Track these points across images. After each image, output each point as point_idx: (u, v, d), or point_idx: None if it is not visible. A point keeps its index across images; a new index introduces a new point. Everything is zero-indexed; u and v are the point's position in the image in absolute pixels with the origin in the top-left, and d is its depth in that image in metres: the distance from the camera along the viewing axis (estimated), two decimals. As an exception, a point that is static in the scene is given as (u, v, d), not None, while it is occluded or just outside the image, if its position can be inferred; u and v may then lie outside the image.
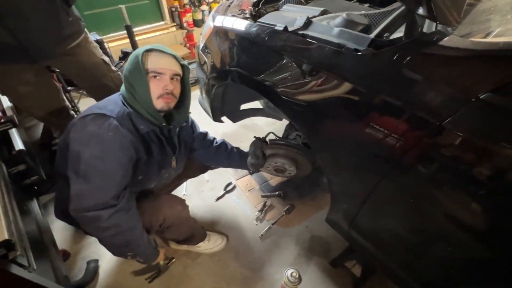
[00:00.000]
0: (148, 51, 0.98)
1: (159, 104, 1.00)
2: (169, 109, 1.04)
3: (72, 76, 1.62)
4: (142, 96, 0.97)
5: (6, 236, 0.85)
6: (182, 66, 1.05)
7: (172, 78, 1.01)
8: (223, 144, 1.45)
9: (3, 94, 1.44)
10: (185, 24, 3.55)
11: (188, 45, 3.56)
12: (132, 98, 0.99)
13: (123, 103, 1.01)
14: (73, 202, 0.92)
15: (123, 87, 1.03)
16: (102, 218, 0.91)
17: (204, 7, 3.61)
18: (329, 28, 0.90)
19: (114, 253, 1.09)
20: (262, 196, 1.81)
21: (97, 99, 1.10)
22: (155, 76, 0.98)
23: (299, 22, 0.97)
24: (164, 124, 1.07)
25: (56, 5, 1.27)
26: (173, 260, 1.43)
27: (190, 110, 1.19)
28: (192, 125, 1.36)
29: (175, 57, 1.03)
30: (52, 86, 1.59)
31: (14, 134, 1.47)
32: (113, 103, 1.01)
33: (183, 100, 1.11)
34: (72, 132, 0.95)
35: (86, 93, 1.84)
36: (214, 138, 1.45)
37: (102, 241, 1.01)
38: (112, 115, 0.95)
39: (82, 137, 0.93)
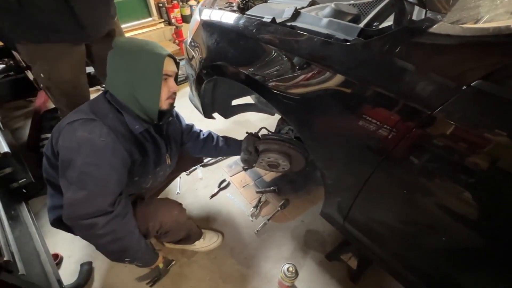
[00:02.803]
0: (167, 56, 0.97)
1: (165, 105, 1.02)
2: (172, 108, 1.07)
3: (104, 47, 1.59)
4: (150, 98, 0.96)
5: (-10, 243, 0.83)
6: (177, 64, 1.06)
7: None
8: (210, 135, 1.44)
9: (49, 79, 1.44)
10: (173, 20, 3.49)
11: (177, 41, 3.51)
12: (130, 99, 0.95)
13: (110, 104, 0.97)
14: (67, 210, 0.89)
15: (114, 87, 0.97)
16: (98, 226, 0.89)
17: (192, 2, 3.55)
18: (317, 19, 0.88)
19: (111, 259, 1.06)
20: (257, 192, 1.80)
21: None
22: (165, 79, 0.98)
23: (287, 14, 0.95)
24: (155, 122, 1.05)
25: None
26: (173, 263, 1.40)
27: (182, 108, 1.18)
28: (178, 118, 1.34)
29: (172, 56, 1.02)
30: (86, 77, 1.61)
31: (-1, 137, 1.44)
32: (99, 105, 0.97)
33: None
34: (61, 140, 0.90)
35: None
36: (201, 130, 1.43)
37: (99, 248, 0.98)
38: (101, 118, 0.92)
39: (73, 144, 0.89)
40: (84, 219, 0.88)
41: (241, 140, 1.44)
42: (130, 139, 0.99)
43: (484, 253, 0.70)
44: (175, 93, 1.04)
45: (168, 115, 1.11)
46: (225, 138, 1.46)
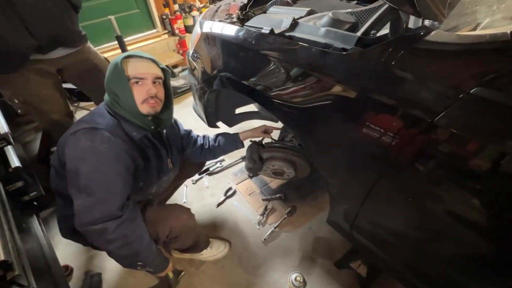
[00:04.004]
0: (126, 57, 0.98)
1: (144, 109, 1.00)
2: (156, 113, 1.05)
3: (79, 77, 1.66)
4: (127, 103, 0.98)
5: (2, 257, 0.85)
6: (162, 69, 1.06)
7: (154, 82, 1.01)
8: (205, 140, 1.43)
9: (24, 103, 1.49)
10: (176, 31, 3.56)
11: (181, 51, 3.56)
12: (118, 107, 0.99)
13: (109, 113, 1.01)
14: (78, 217, 0.92)
15: (106, 97, 1.03)
16: (108, 230, 0.91)
17: (195, 13, 3.61)
18: (315, 29, 0.89)
19: (124, 265, 1.07)
20: (263, 200, 1.79)
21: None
22: (137, 82, 0.98)
23: (286, 24, 0.96)
24: (153, 127, 1.07)
25: (66, 11, 1.42)
26: (183, 273, 1.41)
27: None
28: (176, 124, 1.35)
29: (154, 60, 1.03)
30: (63, 92, 1.67)
31: (10, 151, 1.47)
32: (99, 115, 1.01)
33: (166, 103, 1.11)
34: (67, 150, 0.94)
35: (94, 99, 1.83)
36: (198, 136, 1.44)
37: (110, 254, 1.01)
38: (102, 127, 0.95)
39: (77, 153, 0.93)
40: (94, 224, 0.91)
41: (231, 135, 1.43)
42: (132, 145, 1.01)
43: (494, 260, 0.68)
44: (156, 96, 1.01)
45: (166, 122, 1.13)
46: (217, 139, 1.44)
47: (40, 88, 1.47)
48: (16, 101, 1.45)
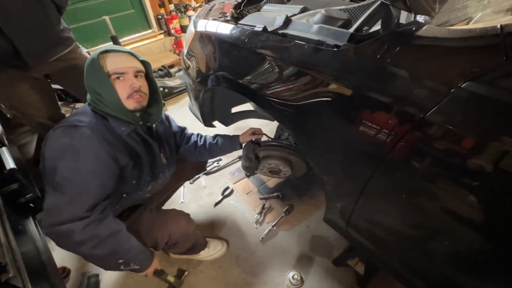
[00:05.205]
0: (103, 53, 0.94)
1: (130, 104, 0.97)
2: (143, 108, 1.01)
3: (70, 83, 1.64)
4: (111, 101, 0.94)
5: (-4, 259, 0.84)
6: (142, 62, 1.03)
7: (136, 76, 0.97)
8: (200, 137, 1.40)
9: (10, 108, 1.48)
10: (172, 31, 3.56)
11: (177, 51, 3.56)
12: (102, 105, 0.95)
13: (94, 112, 0.97)
14: (44, 218, 0.87)
15: (89, 97, 0.99)
16: (75, 232, 0.86)
17: (191, 13, 3.61)
18: (308, 26, 0.88)
19: (105, 267, 0.99)
20: (261, 199, 1.79)
21: None
22: (118, 77, 0.94)
23: (279, 22, 0.96)
24: (141, 123, 1.04)
25: (48, 11, 1.33)
26: (186, 273, 1.40)
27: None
28: (168, 120, 1.31)
29: (132, 53, 0.99)
30: (52, 95, 1.64)
31: (5, 153, 1.46)
32: (82, 114, 0.97)
33: (154, 97, 1.08)
34: (46, 149, 0.91)
35: (84, 101, 1.83)
36: (192, 133, 1.40)
37: (86, 258, 0.95)
38: (83, 124, 0.91)
39: (56, 151, 0.89)
40: (60, 225, 0.85)
41: (231, 136, 1.40)
42: (117, 144, 0.98)
43: (488, 256, 0.68)
44: (140, 90, 0.98)
45: (155, 116, 1.09)
46: (216, 138, 1.41)
47: (25, 94, 1.44)
48: (3, 106, 1.43)
